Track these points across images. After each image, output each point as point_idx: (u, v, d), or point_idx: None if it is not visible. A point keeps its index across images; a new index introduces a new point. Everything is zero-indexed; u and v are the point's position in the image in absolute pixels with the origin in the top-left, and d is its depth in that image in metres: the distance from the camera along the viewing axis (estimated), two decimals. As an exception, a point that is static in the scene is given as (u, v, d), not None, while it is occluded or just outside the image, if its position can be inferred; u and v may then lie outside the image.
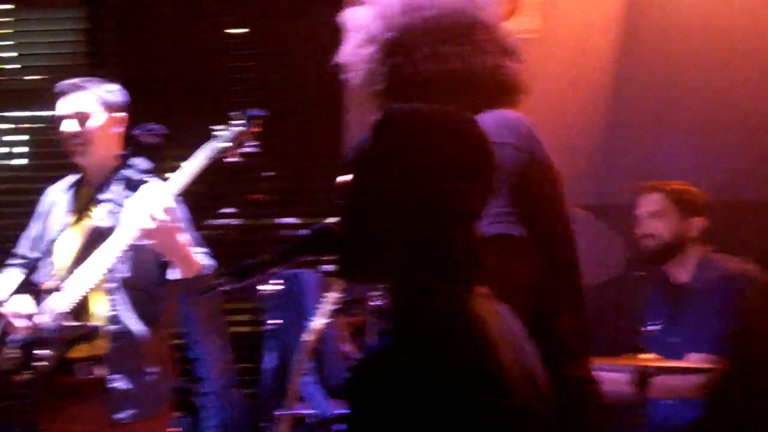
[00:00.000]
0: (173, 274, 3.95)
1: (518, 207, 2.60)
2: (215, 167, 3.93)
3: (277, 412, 4.55)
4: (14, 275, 4.10)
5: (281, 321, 4.67)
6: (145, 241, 3.82)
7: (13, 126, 6.62)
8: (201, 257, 3.97)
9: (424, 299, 2.30)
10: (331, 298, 4.25)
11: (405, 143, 2.30)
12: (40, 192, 4.38)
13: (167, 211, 3.73)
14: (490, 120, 2.53)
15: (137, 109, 4.30)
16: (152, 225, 3.72)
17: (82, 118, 4.11)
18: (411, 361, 2.26)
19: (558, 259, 2.70)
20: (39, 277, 4.01)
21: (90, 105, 4.12)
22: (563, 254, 2.75)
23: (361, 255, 2.37)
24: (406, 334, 2.31)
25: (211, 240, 4.22)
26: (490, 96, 2.76)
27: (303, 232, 2.56)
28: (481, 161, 2.33)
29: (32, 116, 6.61)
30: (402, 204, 2.27)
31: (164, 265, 3.97)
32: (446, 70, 2.73)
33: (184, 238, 3.87)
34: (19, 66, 6.64)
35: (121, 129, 4.17)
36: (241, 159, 3.96)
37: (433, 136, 2.31)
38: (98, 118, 4.12)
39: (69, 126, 4.11)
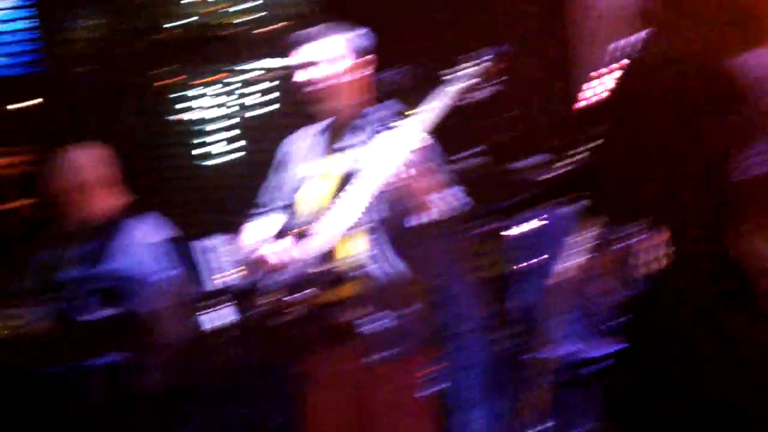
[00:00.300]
0: (426, 214, 3.92)
1: None
2: (460, 107, 3.88)
3: (532, 353, 4.53)
4: (266, 221, 4.16)
5: (537, 260, 4.64)
6: (390, 183, 3.81)
7: (252, 76, 6.75)
8: (453, 197, 3.92)
9: (686, 238, 2.21)
10: (587, 237, 4.17)
11: (664, 82, 2.20)
12: (277, 141, 4.41)
13: (416, 151, 3.70)
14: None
15: (383, 51, 4.28)
16: (401, 165, 3.70)
17: (328, 64, 4.10)
18: (675, 300, 2.17)
19: None
20: (291, 222, 4.03)
21: (335, 50, 4.11)
22: None
23: (621, 194, 2.29)
24: (671, 273, 2.22)
25: (455, 181, 4.18)
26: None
27: (559, 170, 2.49)
28: (746, 98, 2.21)
29: (266, 67, 6.72)
30: (668, 139, 2.17)
31: (420, 206, 3.95)
32: None
33: (438, 176, 3.83)
34: (261, 14, 6.73)
35: (367, 72, 4.15)
36: (485, 97, 3.89)
37: (697, 75, 2.20)
38: (344, 63, 4.11)
39: (315, 73, 4.12)
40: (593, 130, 2.22)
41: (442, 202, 3.88)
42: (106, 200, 5.08)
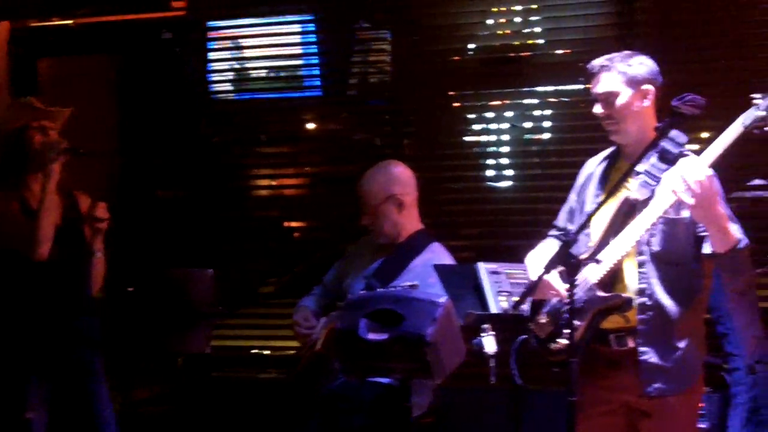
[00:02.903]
0: (707, 248, 3.89)
1: None
2: (749, 137, 3.82)
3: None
4: (552, 245, 4.22)
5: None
6: (680, 213, 3.79)
7: (540, 100, 6.79)
8: (736, 231, 3.87)
9: None
10: None
11: None
12: (567, 165, 4.45)
13: (705, 179, 3.68)
14: None
15: (672, 79, 4.27)
16: (690, 195, 3.68)
17: (609, 98, 4.13)
18: None
19: None
20: (577, 249, 4.07)
21: (615, 84, 4.12)
22: None
23: None
24: None
25: (740, 213, 4.10)
26: None
27: None
28: None
29: (560, 90, 6.75)
30: None
31: (700, 240, 3.92)
32: None
33: (721, 209, 3.80)
34: (546, 40, 6.78)
35: (648, 102, 4.14)
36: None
37: None
38: (623, 95, 4.11)
39: (600, 107, 4.16)
40: None
41: (726, 233, 3.83)
42: (407, 220, 5.28)
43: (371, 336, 4.12)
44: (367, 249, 5.38)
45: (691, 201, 3.69)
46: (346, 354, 4.25)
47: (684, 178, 3.70)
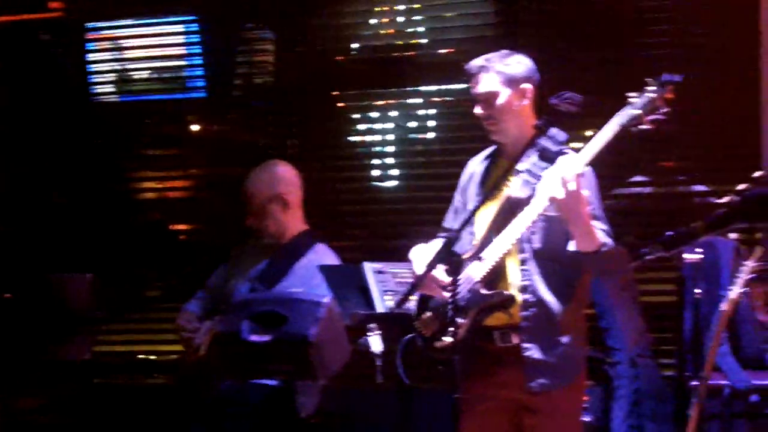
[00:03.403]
0: (571, 245, 3.94)
1: None
2: (627, 135, 3.87)
3: (692, 383, 4.48)
4: (436, 245, 4.24)
5: (699, 290, 4.58)
6: (553, 210, 3.84)
7: (424, 100, 6.83)
8: (601, 234, 3.93)
9: None
10: (747, 267, 4.11)
11: None
12: (452, 165, 4.48)
13: (577, 179, 3.72)
14: None
15: (552, 77, 4.31)
16: (561, 193, 3.72)
17: (489, 98, 4.15)
18: None
19: None
20: (460, 247, 4.09)
21: (494, 84, 4.14)
22: None
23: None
24: None
25: (621, 209, 4.16)
26: None
27: (730, 199, 2.48)
28: None
29: (443, 89, 6.79)
30: None
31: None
32: None
33: (588, 210, 3.85)
34: (429, 40, 6.82)
35: (527, 101, 4.18)
36: (653, 126, 3.87)
37: None
38: (503, 95, 4.14)
39: (480, 108, 4.18)
40: None
41: (591, 234, 3.88)
42: (292, 220, 5.26)
43: (253, 338, 4.10)
44: (252, 250, 5.35)
45: (561, 195, 3.73)
46: (228, 357, 4.22)
47: (557, 174, 3.75)
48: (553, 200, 3.78)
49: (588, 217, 3.85)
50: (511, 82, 4.14)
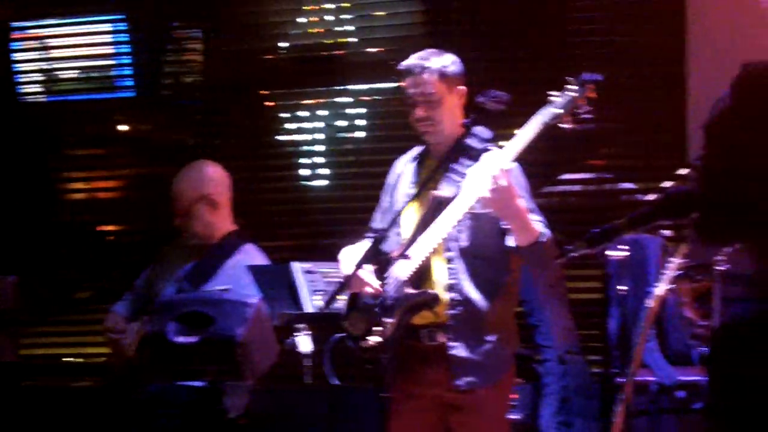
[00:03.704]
0: (510, 241, 3.96)
1: None
2: (553, 133, 3.89)
3: (620, 379, 4.51)
4: (363, 245, 4.23)
5: (625, 287, 4.62)
6: (484, 208, 3.85)
7: (353, 99, 6.82)
8: (538, 225, 3.95)
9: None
10: (673, 264, 4.15)
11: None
12: (381, 163, 4.48)
13: (505, 174, 3.74)
14: None
15: (478, 77, 4.32)
16: (490, 190, 3.73)
17: (430, 99, 4.13)
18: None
19: None
20: (388, 247, 4.09)
21: (435, 85, 4.12)
22: None
23: (725, 217, 2.29)
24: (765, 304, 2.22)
25: (549, 207, 4.18)
26: None
27: (655, 196, 2.50)
28: None
29: (373, 89, 6.78)
30: (765, 165, 2.17)
31: (504, 233, 3.98)
32: None
33: (522, 203, 3.86)
34: (358, 39, 6.82)
35: (462, 100, 4.19)
36: (576, 125, 3.89)
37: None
38: (443, 96, 4.13)
39: (419, 110, 4.14)
40: (705, 151, 2.22)
41: (528, 227, 3.89)
42: (220, 220, 5.22)
43: (180, 339, 4.07)
44: (180, 251, 5.31)
45: (491, 192, 3.74)
46: (155, 358, 4.19)
47: (484, 171, 3.76)
48: (485, 199, 3.78)
49: (523, 210, 3.86)
50: (451, 82, 4.15)
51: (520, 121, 3.88)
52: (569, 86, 3.86)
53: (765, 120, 2.18)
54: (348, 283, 4.01)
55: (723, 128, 2.25)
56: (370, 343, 4.01)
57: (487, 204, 3.81)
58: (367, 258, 3.97)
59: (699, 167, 2.29)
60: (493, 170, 3.73)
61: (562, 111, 3.82)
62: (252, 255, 5.17)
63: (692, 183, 2.34)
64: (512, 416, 4.33)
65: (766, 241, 2.25)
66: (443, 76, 4.13)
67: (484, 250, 4.03)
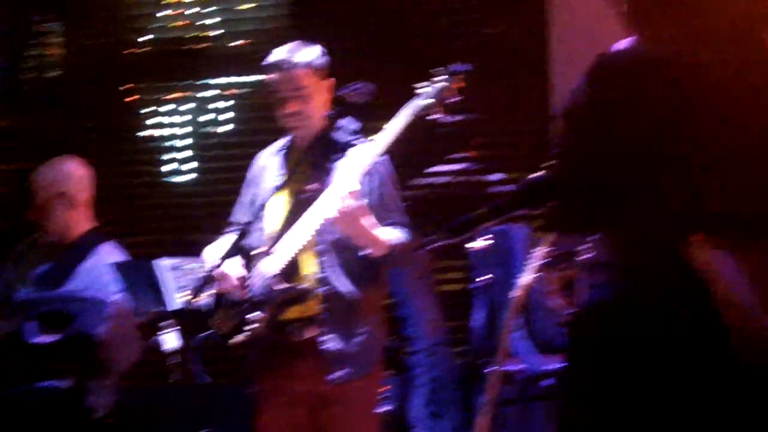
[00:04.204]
0: (365, 250, 3.96)
1: None
2: (421, 125, 3.89)
3: (487, 368, 4.55)
4: (227, 240, 4.18)
5: (490, 277, 4.66)
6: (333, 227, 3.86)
7: (218, 92, 6.76)
8: (392, 235, 3.95)
9: (645, 249, 2.24)
10: (539, 253, 4.20)
11: (623, 90, 2.21)
12: (247, 157, 4.43)
13: (351, 196, 3.73)
14: None
15: (343, 69, 4.30)
16: (337, 212, 3.74)
17: (299, 94, 4.08)
18: (634, 314, 2.20)
19: None
20: (252, 241, 4.05)
21: (304, 79, 4.09)
22: None
23: (579, 207, 2.31)
24: (627, 285, 2.25)
25: (417, 199, 4.19)
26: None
27: (513, 186, 2.51)
28: (703, 106, 2.23)
29: (237, 82, 6.73)
30: (619, 153, 2.20)
31: None
32: None
33: (369, 221, 3.86)
34: (222, 32, 6.76)
35: (330, 93, 4.15)
36: (444, 116, 3.91)
37: (654, 82, 2.21)
38: (315, 90, 4.10)
39: (289, 105, 4.09)
40: (561, 140, 2.23)
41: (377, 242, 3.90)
42: (78, 218, 5.10)
43: (38, 339, 3.98)
44: (36, 250, 5.16)
45: (337, 215, 3.77)
46: (13, 360, 4.09)
47: (353, 168, 3.75)
48: (332, 219, 3.78)
49: (368, 230, 3.87)
50: (320, 75, 4.12)
51: (389, 114, 3.87)
52: (437, 77, 3.87)
53: (618, 109, 2.21)
54: (210, 279, 3.95)
55: (578, 117, 2.27)
56: (239, 339, 3.97)
57: (334, 224, 3.81)
58: (231, 253, 3.93)
59: (556, 156, 2.31)
60: (339, 193, 3.72)
61: (430, 102, 3.84)
62: (110, 254, 5.04)
63: (551, 172, 2.36)
64: (382, 408, 4.32)
65: (622, 229, 2.27)
66: (312, 69, 4.10)
67: (352, 243, 4.01)
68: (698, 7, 2.41)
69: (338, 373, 4.03)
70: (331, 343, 4.03)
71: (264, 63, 4.16)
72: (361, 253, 3.97)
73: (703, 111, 2.25)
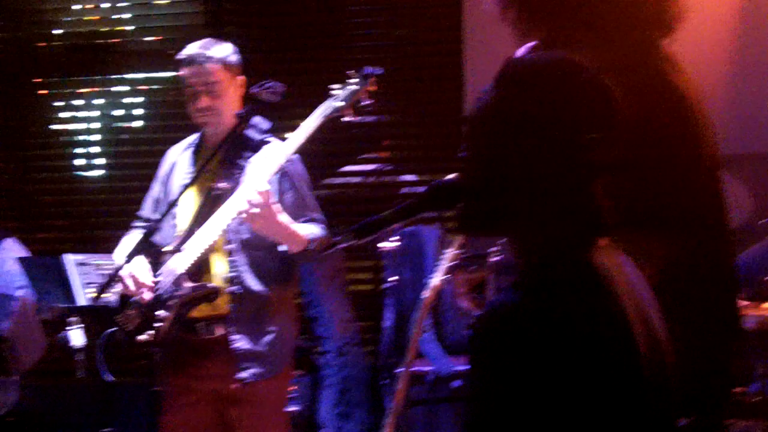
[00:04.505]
0: (282, 246, 3.95)
1: None
2: (334, 126, 3.90)
3: (396, 369, 4.56)
4: (136, 238, 4.13)
5: (400, 278, 4.67)
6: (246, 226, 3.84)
7: (130, 88, 6.69)
8: (309, 230, 3.95)
9: (550, 253, 2.25)
10: (449, 255, 4.22)
11: (530, 94, 2.23)
12: (159, 153, 4.39)
13: (263, 195, 3.72)
14: None
15: (256, 68, 4.28)
16: (248, 211, 3.72)
17: (213, 89, 4.07)
18: (538, 316, 2.21)
19: None
20: (161, 238, 4.02)
21: (218, 74, 4.07)
22: None
23: (484, 209, 2.32)
24: (532, 288, 2.26)
25: (330, 198, 4.19)
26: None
27: (422, 188, 2.52)
28: (607, 111, 2.25)
29: (150, 78, 6.68)
30: (526, 157, 2.21)
31: None
32: None
33: (284, 218, 3.85)
34: (135, 27, 6.70)
35: (242, 90, 4.14)
36: (357, 117, 3.92)
37: (559, 86, 2.23)
38: (226, 86, 4.09)
39: (201, 100, 4.07)
40: (468, 143, 2.24)
41: (294, 238, 3.90)
42: None
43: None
44: None
45: (250, 213, 3.74)
46: None
47: (264, 167, 3.74)
48: (245, 218, 3.77)
49: (284, 225, 3.86)
50: (233, 72, 4.11)
51: (304, 113, 3.87)
52: (350, 79, 3.88)
53: (522, 114, 2.23)
54: (117, 276, 3.91)
55: (484, 121, 2.29)
56: (145, 337, 3.93)
57: (248, 223, 3.80)
58: (139, 250, 3.88)
59: (463, 158, 2.32)
60: (249, 193, 3.71)
61: (343, 104, 3.85)
62: (11, 250, 4.97)
63: (457, 175, 2.37)
64: (291, 408, 4.31)
65: (527, 232, 2.29)
66: (225, 65, 4.09)
67: (264, 241, 3.99)
68: (586, 4, 2.44)
69: (247, 372, 4.01)
70: (241, 342, 4.00)
71: (177, 57, 4.13)
72: (279, 250, 3.95)
73: (604, 114, 2.27)
